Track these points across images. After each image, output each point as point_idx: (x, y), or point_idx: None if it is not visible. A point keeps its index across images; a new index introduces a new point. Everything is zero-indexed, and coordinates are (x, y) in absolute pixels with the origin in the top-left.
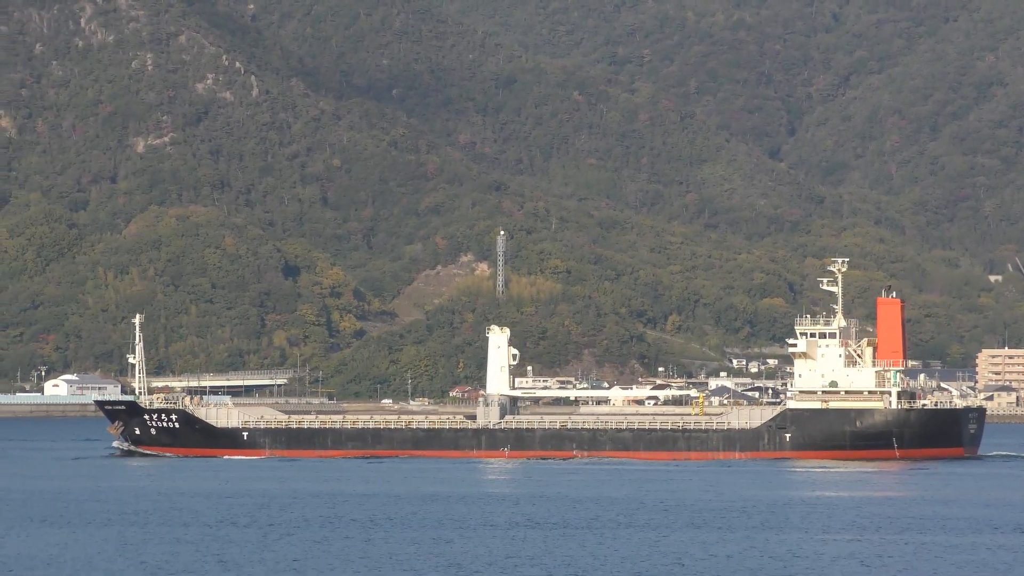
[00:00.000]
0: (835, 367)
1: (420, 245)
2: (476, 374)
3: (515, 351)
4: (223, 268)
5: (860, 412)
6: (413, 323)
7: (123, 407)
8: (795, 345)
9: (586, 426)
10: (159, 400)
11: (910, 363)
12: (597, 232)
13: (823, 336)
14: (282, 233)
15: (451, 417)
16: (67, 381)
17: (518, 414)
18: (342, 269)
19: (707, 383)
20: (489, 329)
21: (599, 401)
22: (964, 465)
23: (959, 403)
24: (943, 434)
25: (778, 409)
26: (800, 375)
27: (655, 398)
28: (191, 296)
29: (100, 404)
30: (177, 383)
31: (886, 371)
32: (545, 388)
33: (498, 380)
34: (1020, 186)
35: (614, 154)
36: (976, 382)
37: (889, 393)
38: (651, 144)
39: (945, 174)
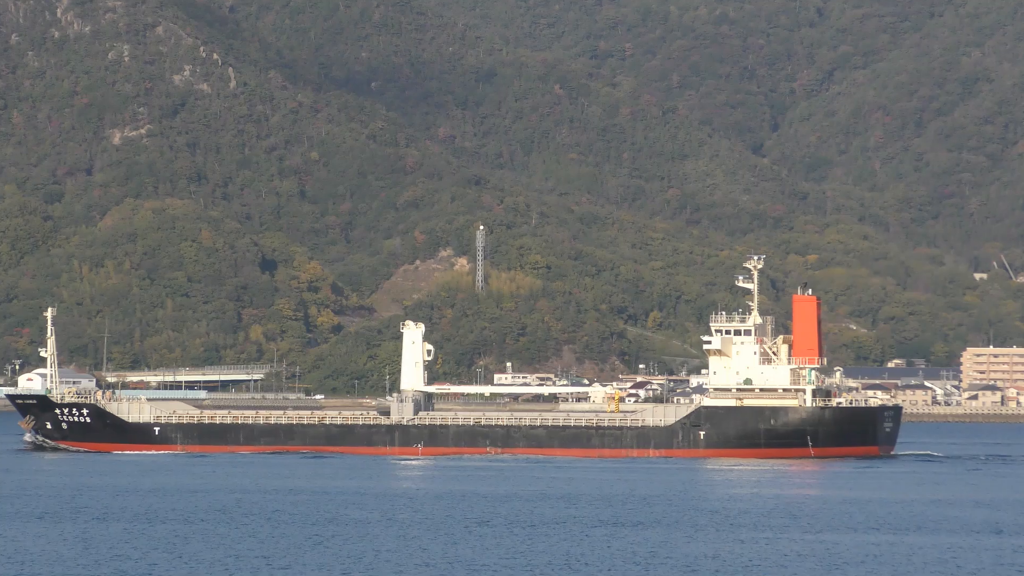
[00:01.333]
0: (750, 364)
1: (399, 239)
2: (455, 370)
3: (430, 347)
4: (199, 262)
5: (775, 410)
6: (391, 318)
7: (34, 401)
8: (710, 342)
9: (500, 423)
10: (70, 394)
11: (825, 360)
12: (578, 227)
13: (738, 333)
14: (259, 227)
15: (365, 413)
16: (41, 375)
17: (433, 410)
18: (320, 263)
19: (688, 380)
20: (404, 324)
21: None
22: (876, 464)
23: (874, 402)
24: (858, 433)
25: (692, 406)
26: (715, 372)
27: (636, 395)
28: (167, 290)
29: (11, 398)
30: (153, 377)
31: (801, 369)
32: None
33: (413, 376)
34: (1006, 183)
35: (595, 149)
36: (961, 381)
37: (804, 391)
38: (632, 139)
39: (930, 171)
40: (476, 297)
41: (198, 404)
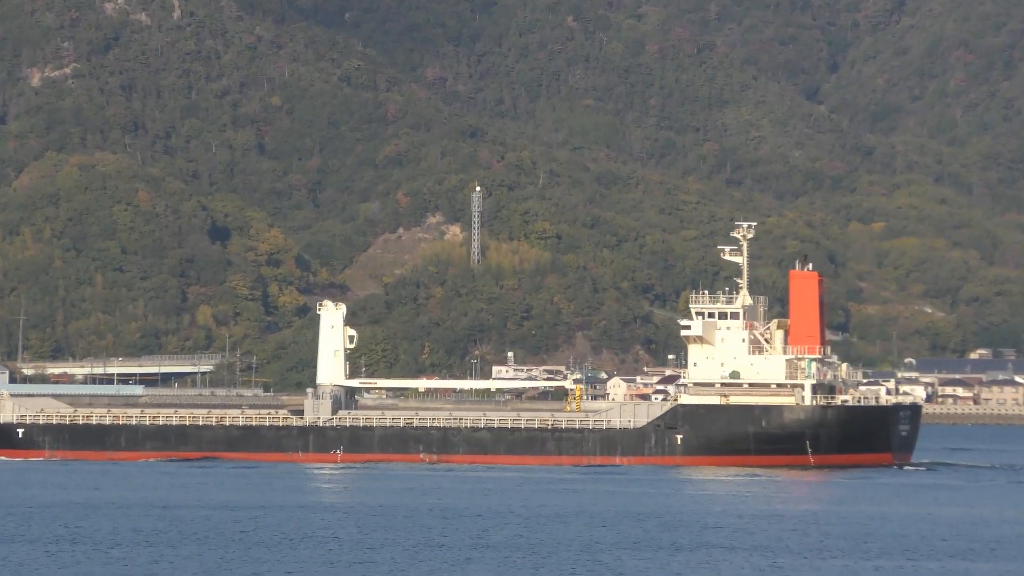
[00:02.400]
0: (737, 354)
1: (378, 203)
2: (445, 361)
3: (352, 332)
4: (136, 229)
5: (766, 409)
6: (369, 298)
7: None
8: (689, 328)
9: (436, 424)
10: None
11: (827, 350)
12: (594, 189)
13: (723, 316)
14: (209, 187)
15: (273, 413)
16: None
17: (356, 408)
18: (282, 232)
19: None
20: (320, 305)
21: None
22: (888, 474)
23: (888, 399)
24: (867, 436)
25: (668, 405)
26: (695, 364)
27: (665, 392)
28: (97, 263)
29: None
30: (78, 369)
31: (799, 360)
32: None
33: (331, 367)
34: None
35: (616, 94)
36: None
37: (802, 386)
38: (661, 82)
39: (1021, 120)
40: (471, 273)
41: (153, 402)
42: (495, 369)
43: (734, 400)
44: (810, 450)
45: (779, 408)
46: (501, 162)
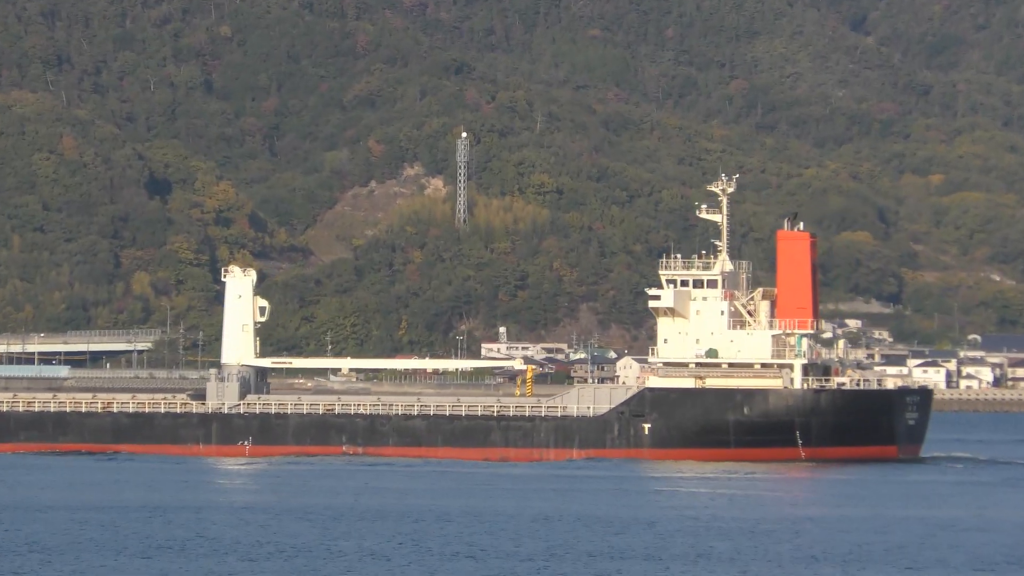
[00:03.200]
0: (715, 329)
1: (346, 152)
2: (425, 338)
3: (264, 302)
4: (60, 182)
5: (749, 394)
6: (336, 264)
7: None
8: (658, 298)
9: (362, 411)
10: None
11: (821, 324)
12: (601, 136)
13: (699, 285)
14: (146, 133)
15: (170, 398)
16: None
17: (267, 393)
18: (233, 185)
19: None
20: (226, 271)
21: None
22: (893, 470)
23: (892, 382)
24: (868, 426)
25: (634, 389)
26: (666, 340)
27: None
28: (14, 222)
29: None
30: None
31: (788, 336)
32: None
33: (238, 344)
34: None
35: (626, 23)
36: None
37: (791, 367)
38: (680, 9)
39: None
40: (456, 234)
41: (133, 385)
42: (484, 347)
43: (711, 383)
44: (800, 442)
45: (764, 392)
46: (491, 104)
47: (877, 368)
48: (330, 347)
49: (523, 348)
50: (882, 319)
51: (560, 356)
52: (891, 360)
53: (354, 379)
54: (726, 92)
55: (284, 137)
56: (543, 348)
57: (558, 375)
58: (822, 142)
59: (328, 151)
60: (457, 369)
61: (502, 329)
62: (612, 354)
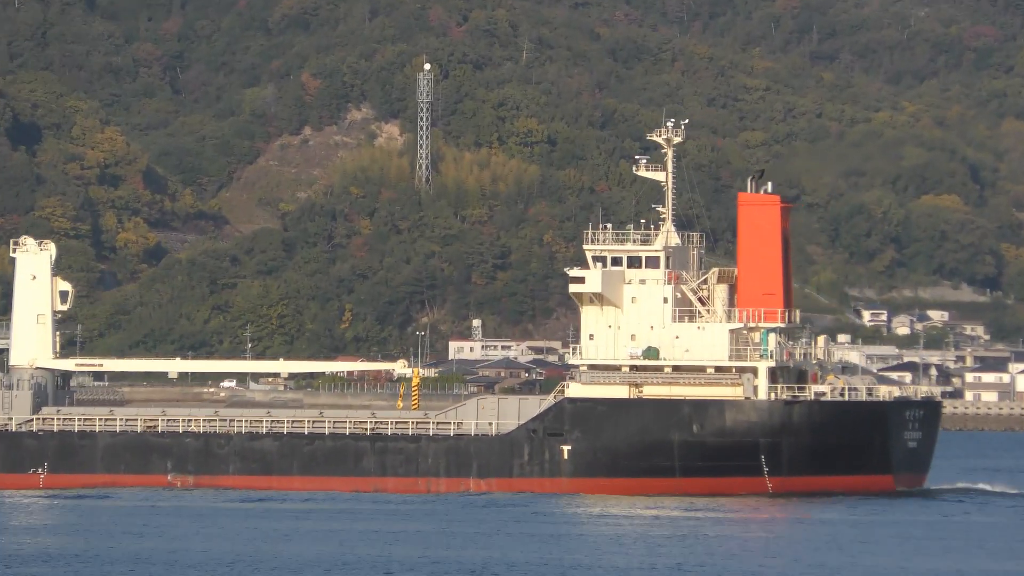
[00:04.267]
0: (656, 322)
1: (271, 89)
2: (375, 333)
3: (66, 285)
4: None
5: (700, 407)
6: (258, 235)
7: None
8: (581, 280)
9: (194, 427)
10: None
11: (796, 315)
12: (607, 69)
13: (635, 264)
14: (8, 63)
15: None
16: None
17: (71, 404)
18: (122, 132)
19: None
20: (16, 243)
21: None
22: (886, 508)
23: (886, 391)
24: (855, 449)
25: (549, 400)
26: (591, 336)
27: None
28: None
29: None
30: None
31: (751, 331)
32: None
33: (31, 341)
34: None
35: None
36: None
37: (755, 371)
38: None
39: None
40: (417, 197)
41: None
42: (454, 346)
43: (650, 392)
44: (767, 469)
45: (719, 405)
46: (463, 26)
47: (971, 375)
48: (250, 346)
49: (504, 347)
50: (975, 310)
51: (552, 358)
52: (987, 365)
53: (282, 387)
54: (771, 11)
55: (189, 69)
56: (529, 347)
57: (549, 383)
58: (897, 77)
59: (248, 88)
60: (403, 377)
61: (476, 323)
62: None
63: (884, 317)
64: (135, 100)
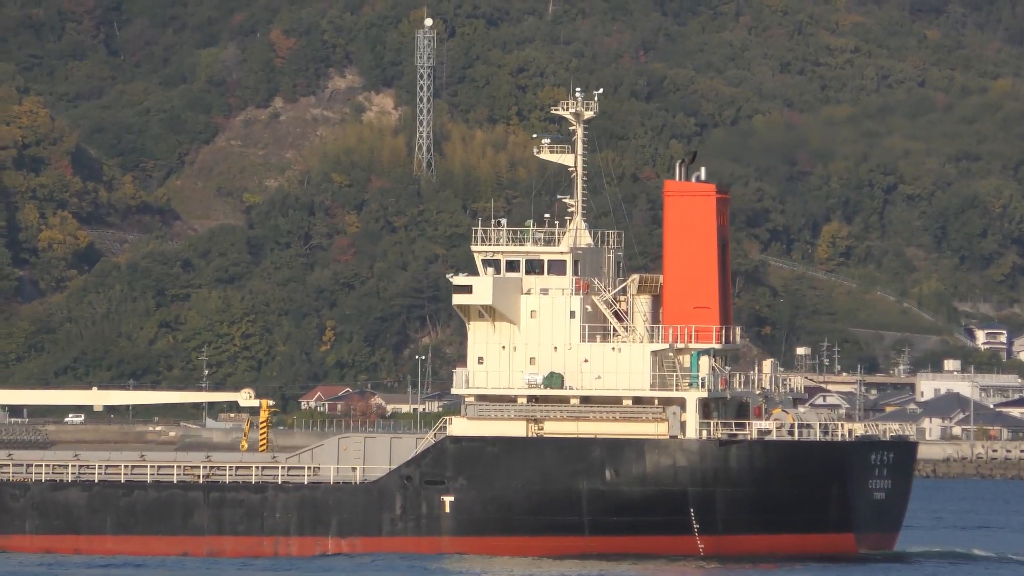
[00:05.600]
0: (561, 342)
1: (232, 49)
2: (365, 357)
3: None
4: None
5: (615, 448)
6: (216, 233)
7: None
8: (467, 289)
9: None
10: None
11: (736, 333)
12: (653, 24)
13: (534, 270)
14: None
15: None
16: None
17: None
18: (46, 104)
19: (912, 384)
20: None
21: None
22: None
23: (849, 428)
24: (807, 501)
25: (428, 438)
26: (480, 360)
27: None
28: None
29: None
30: None
31: (679, 353)
32: None
33: None
34: None
35: None
36: None
37: (683, 403)
38: None
39: None
40: (416, 186)
41: None
42: (459, 372)
43: (553, 430)
44: (697, 526)
45: (638, 445)
46: None
47: None
48: (207, 373)
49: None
50: None
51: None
52: None
53: (247, 424)
54: None
55: (129, 25)
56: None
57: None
58: (1021, 35)
59: (202, 48)
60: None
61: None
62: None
63: (1003, 339)
64: (60, 63)
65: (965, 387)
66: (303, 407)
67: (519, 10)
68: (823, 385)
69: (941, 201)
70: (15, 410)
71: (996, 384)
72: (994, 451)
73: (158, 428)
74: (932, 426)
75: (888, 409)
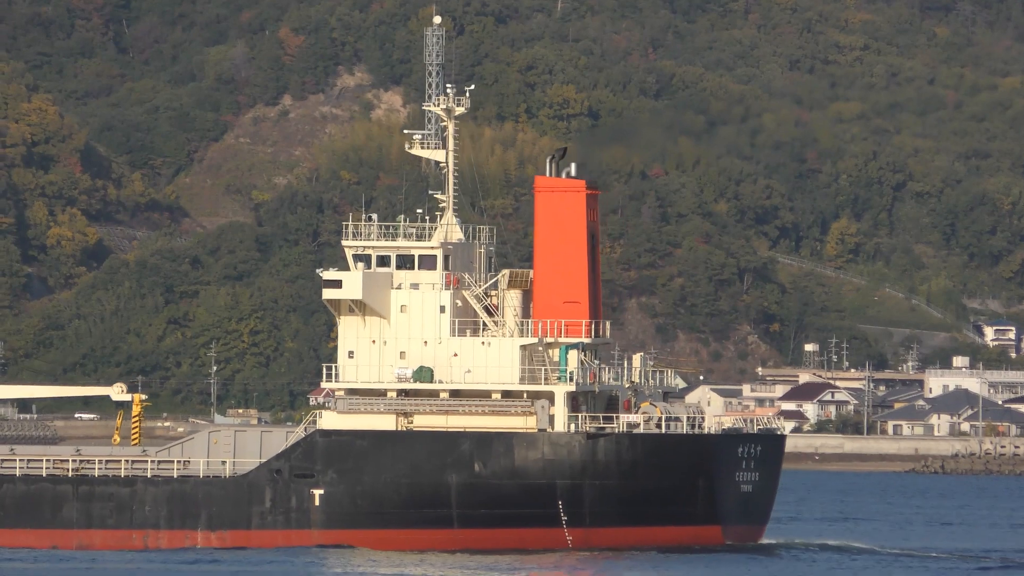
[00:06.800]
0: (432, 336)
1: (241, 47)
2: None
3: None
4: None
5: (484, 441)
6: (225, 230)
7: None
8: (338, 284)
9: None
10: None
11: (607, 327)
12: (663, 22)
13: (405, 264)
14: None
15: None
16: None
17: None
18: (55, 101)
19: (922, 380)
20: None
21: None
22: (713, 568)
23: (717, 421)
24: (675, 493)
25: (298, 432)
26: (351, 354)
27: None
28: None
29: None
30: None
31: (548, 347)
32: None
33: None
34: None
35: None
36: None
37: (551, 397)
38: None
39: None
40: (424, 184)
41: None
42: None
43: (423, 423)
44: (566, 519)
45: (507, 439)
46: None
47: None
48: (215, 368)
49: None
50: None
51: (670, 384)
52: None
53: (254, 420)
54: None
55: (138, 23)
56: None
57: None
58: None
59: (211, 47)
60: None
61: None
62: (678, 382)
63: (1012, 335)
64: (69, 61)
65: (974, 383)
66: (311, 403)
67: (528, 7)
68: (832, 381)
69: (950, 198)
70: (24, 405)
71: (1005, 380)
72: (1002, 447)
73: (167, 424)
74: (941, 422)
75: (897, 405)
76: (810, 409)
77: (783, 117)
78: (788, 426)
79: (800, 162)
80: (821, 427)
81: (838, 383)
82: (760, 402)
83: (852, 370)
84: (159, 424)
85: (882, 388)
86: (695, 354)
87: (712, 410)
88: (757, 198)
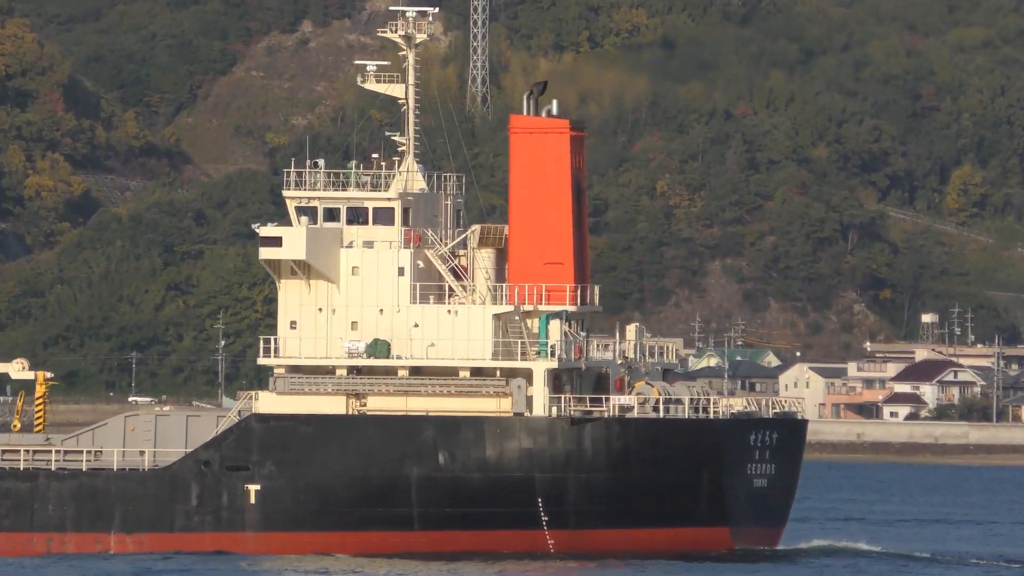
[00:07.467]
0: (388, 304)
1: None
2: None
3: None
4: None
5: (450, 428)
6: (235, 180)
7: None
8: (277, 241)
9: None
10: None
11: (595, 293)
12: None
13: (356, 218)
14: None
15: None
16: None
17: None
18: (34, 28)
19: None
20: None
21: None
22: None
23: (727, 404)
24: (675, 489)
25: (230, 417)
26: (293, 324)
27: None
28: None
29: None
30: None
31: (527, 316)
32: None
33: None
34: None
35: None
36: None
37: (529, 375)
38: None
39: None
40: (471, 126)
41: None
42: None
43: (378, 406)
44: (546, 519)
45: (477, 424)
46: None
47: None
48: (223, 343)
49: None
50: None
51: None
52: None
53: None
54: None
55: None
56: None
57: None
58: None
59: None
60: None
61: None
62: (771, 359)
63: None
64: None
65: None
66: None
67: None
68: (954, 359)
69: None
70: None
71: None
72: None
73: (167, 408)
74: None
75: None
76: (928, 392)
77: (893, 46)
78: (902, 412)
79: (914, 99)
80: (942, 413)
81: (962, 361)
82: (868, 383)
83: (978, 345)
84: (156, 408)
85: (1014, 367)
86: (790, 326)
87: (811, 393)
88: (863, 141)
